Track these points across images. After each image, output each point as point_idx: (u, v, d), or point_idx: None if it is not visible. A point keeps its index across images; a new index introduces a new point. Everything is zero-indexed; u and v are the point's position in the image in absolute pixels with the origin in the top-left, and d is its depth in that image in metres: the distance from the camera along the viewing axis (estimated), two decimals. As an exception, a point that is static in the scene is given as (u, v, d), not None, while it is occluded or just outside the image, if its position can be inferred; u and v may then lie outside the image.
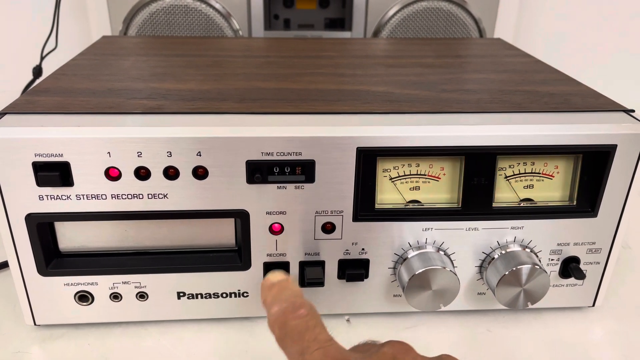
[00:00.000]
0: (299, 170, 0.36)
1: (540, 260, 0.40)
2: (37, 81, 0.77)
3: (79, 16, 0.96)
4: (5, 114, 0.36)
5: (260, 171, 0.35)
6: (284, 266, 0.39)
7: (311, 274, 0.39)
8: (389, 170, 0.38)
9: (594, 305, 0.43)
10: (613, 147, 0.36)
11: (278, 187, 0.36)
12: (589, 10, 0.97)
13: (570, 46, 1.00)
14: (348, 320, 0.42)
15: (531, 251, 0.39)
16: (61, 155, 0.34)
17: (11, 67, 0.93)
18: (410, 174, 0.38)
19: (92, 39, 0.97)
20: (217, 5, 0.75)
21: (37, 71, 0.77)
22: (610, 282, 0.44)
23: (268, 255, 0.39)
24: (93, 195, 0.35)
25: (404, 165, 0.38)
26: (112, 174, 0.35)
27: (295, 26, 0.80)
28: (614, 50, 0.99)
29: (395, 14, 0.76)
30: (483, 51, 0.57)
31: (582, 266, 0.41)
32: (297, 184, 0.36)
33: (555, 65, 0.51)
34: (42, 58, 0.77)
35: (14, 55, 0.94)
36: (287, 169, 0.36)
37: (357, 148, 0.35)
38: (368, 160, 0.36)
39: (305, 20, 0.80)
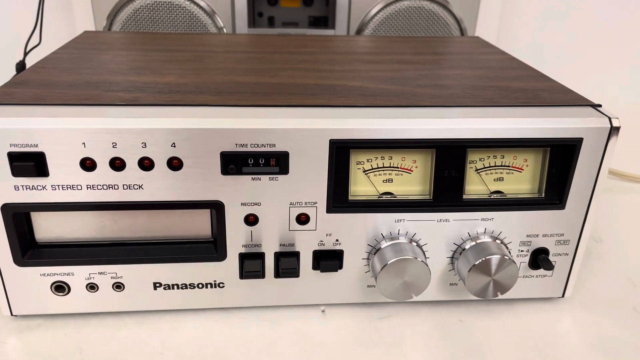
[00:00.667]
0: (273, 162, 0.36)
1: (510, 252, 0.41)
2: (21, 77, 0.77)
3: (64, 12, 0.96)
4: (-18, 105, 0.36)
5: (234, 162, 0.36)
6: (259, 257, 0.39)
7: (286, 264, 0.39)
8: (362, 163, 0.38)
9: (563, 296, 0.44)
10: (579, 141, 0.37)
11: (252, 179, 0.37)
12: (570, 9, 0.99)
13: (551, 45, 1.02)
14: (323, 311, 0.43)
15: (501, 242, 0.40)
16: (36, 146, 0.34)
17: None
18: (383, 167, 0.39)
19: (76, 35, 0.97)
20: (202, 3, 0.75)
21: (21, 67, 0.76)
22: (579, 273, 0.45)
23: (243, 246, 0.39)
24: (68, 186, 0.36)
25: (377, 157, 0.38)
26: (87, 165, 0.35)
27: (279, 24, 0.81)
28: (592, 47, 1.01)
29: (378, 12, 0.77)
30: (460, 49, 0.58)
31: (551, 257, 0.42)
32: (272, 176, 0.37)
33: (535, 63, 0.52)
34: (25, 54, 0.77)
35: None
36: (262, 161, 0.36)
37: (330, 140, 0.36)
38: (341, 152, 0.37)
39: (289, 18, 0.81)
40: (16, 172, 0.35)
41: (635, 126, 0.82)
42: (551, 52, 1.02)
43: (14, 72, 0.77)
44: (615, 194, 0.63)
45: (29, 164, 0.34)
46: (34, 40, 0.78)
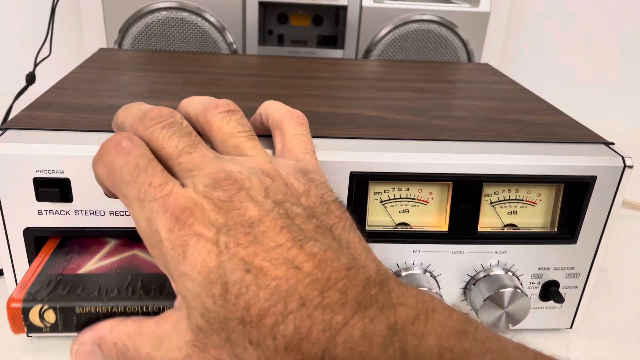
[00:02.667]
0: (294, 192, 0.37)
1: (521, 284, 0.41)
2: (30, 88, 0.77)
3: (74, 24, 0.96)
4: (7, 129, 0.36)
5: (256, 192, 0.36)
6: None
7: (302, 292, 0.40)
8: (379, 194, 0.39)
9: (571, 327, 0.44)
10: (593, 179, 0.38)
11: (273, 208, 0.37)
12: (574, 31, 1.00)
13: (555, 66, 1.03)
14: (336, 337, 0.43)
15: (513, 275, 0.41)
16: (62, 172, 0.35)
17: (4, 73, 0.93)
18: (400, 198, 0.39)
19: (86, 47, 0.97)
20: (212, 19, 0.76)
21: (31, 78, 0.77)
22: (587, 304, 0.46)
23: (260, 272, 0.40)
24: (91, 211, 0.36)
25: (394, 189, 0.39)
26: (112, 191, 0.36)
27: (288, 42, 0.82)
28: (598, 73, 1.02)
29: (386, 34, 0.78)
30: (471, 77, 0.59)
31: (561, 290, 0.42)
32: (292, 205, 0.37)
33: (539, 86, 0.53)
34: (35, 65, 0.77)
35: (7, 61, 0.94)
36: (282, 191, 0.37)
37: (351, 172, 0.37)
38: (360, 184, 0.38)
39: (298, 37, 0.82)
40: (41, 197, 0.35)
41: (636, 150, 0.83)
42: (558, 70, 1.03)
43: (24, 83, 0.78)
44: (619, 222, 0.64)
45: (54, 190, 0.35)
46: (44, 51, 0.78)
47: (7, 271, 0.37)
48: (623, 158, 0.39)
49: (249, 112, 0.43)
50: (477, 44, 0.81)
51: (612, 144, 0.41)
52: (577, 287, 0.42)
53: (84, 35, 0.95)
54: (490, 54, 1.02)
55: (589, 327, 0.46)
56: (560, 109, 0.48)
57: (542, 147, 0.40)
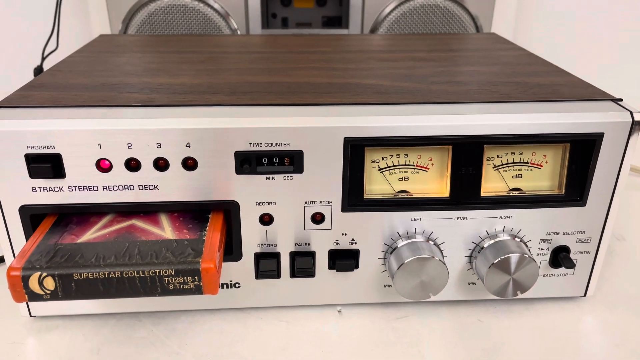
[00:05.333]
0: (288, 161, 0.36)
1: (529, 250, 0.40)
2: (39, 81, 0.78)
3: (80, 17, 0.97)
4: (0, 107, 0.36)
5: (248, 162, 0.36)
6: (275, 257, 0.39)
7: (302, 264, 0.39)
8: (377, 161, 0.38)
9: (585, 295, 0.43)
10: (600, 136, 0.37)
11: (267, 178, 0.37)
12: (586, 4, 0.97)
13: (567, 41, 1.00)
14: (339, 311, 0.42)
15: (520, 240, 0.40)
16: (53, 147, 0.35)
17: (13, 67, 0.94)
18: (398, 165, 0.38)
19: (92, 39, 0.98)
20: (216, 5, 0.76)
21: (39, 71, 0.78)
22: (601, 272, 0.44)
23: (259, 246, 0.39)
24: (85, 187, 0.36)
25: (392, 155, 0.38)
26: (103, 166, 0.35)
27: (293, 24, 0.81)
28: (611, 44, 0.99)
29: (391, 11, 0.77)
30: (476, 45, 0.57)
31: (572, 255, 0.41)
32: (286, 175, 0.37)
33: (552, 59, 0.51)
34: (43, 58, 0.78)
35: (15, 55, 0.95)
36: (276, 160, 0.36)
37: (345, 138, 0.36)
38: (356, 150, 0.37)
39: (302, 19, 0.81)
40: (33, 173, 0.35)
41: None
42: (568, 49, 1.00)
43: (32, 77, 0.78)
44: (635, 191, 0.62)
45: (46, 165, 0.35)
46: (51, 45, 0.79)
47: (6, 249, 0.37)
48: (631, 113, 0.37)
49: (242, 84, 0.42)
50: (486, 18, 0.79)
51: (621, 100, 0.39)
52: (589, 252, 0.41)
53: (90, 28, 0.96)
54: (501, 29, 0.99)
55: (605, 296, 0.44)
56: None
57: (546, 106, 0.38)
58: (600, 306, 0.43)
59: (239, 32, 0.77)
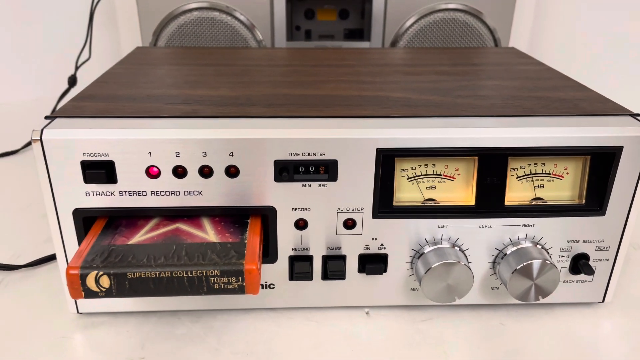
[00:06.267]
0: (323, 170, 0.39)
1: (550, 257, 0.42)
2: (72, 90, 0.81)
3: (111, 29, 1.00)
4: (56, 117, 0.39)
5: (287, 170, 0.38)
6: (308, 259, 0.42)
7: (333, 267, 0.41)
8: (406, 170, 0.40)
9: (603, 301, 0.45)
10: (619, 149, 0.39)
11: (303, 185, 0.39)
12: (602, 18, 0.99)
13: (584, 54, 1.02)
14: (367, 313, 0.44)
15: (542, 248, 0.42)
16: (107, 155, 0.37)
17: (48, 76, 0.98)
18: (426, 174, 0.40)
19: (122, 50, 1.02)
20: (242, 17, 0.79)
21: (72, 80, 0.81)
22: (619, 279, 0.46)
23: (293, 249, 0.41)
24: (135, 192, 0.38)
25: (420, 165, 0.40)
26: (152, 173, 0.38)
27: (316, 37, 0.84)
28: (627, 57, 1.00)
29: (412, 24, 0.79)
30: (497, 60, 0.59)
31: (591, 263, 0.43)
32: (321, 183, 0.39)
33: (569, 72, 0.53)
34: (76, 68, 0.81)
35: (50, 66, 0.99)
36: (312, 168, 0.39)
37: (377, 149, 0.38)
38: (387, 160, 0.39)
39: (325, 31, 0.84)
40: (88, 179, 0.38)
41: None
42: (586, 61, 1.02)
43: (66, 85, 0.82)
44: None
45: (100, 172, 0.37)
46: (84, 55, 0.83)
47: (59, 249, 0.40)
48: (650, 128, 0.39)
49: (278, 97, 0.45)
50: (504, 31, 0.81)
51: (638, 115, 0.41)
52: (607, 259, 0.43)
53: (121, 39, 1.00)
54: (519, 42, 1.01)
55: (622, 302, 0.46)
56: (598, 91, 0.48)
57: (567, 120, 0.40)
58: (618, 312, 0.45)
59: (264, 44, 0.80)
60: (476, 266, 0.42)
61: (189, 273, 0.35)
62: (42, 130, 0.37)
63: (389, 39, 0.81)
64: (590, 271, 0.42)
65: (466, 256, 0.42)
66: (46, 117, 0.39)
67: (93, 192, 0.38)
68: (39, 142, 0.37)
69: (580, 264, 0.42)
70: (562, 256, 0.42)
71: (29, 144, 0.78)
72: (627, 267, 0.51)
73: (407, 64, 0.57)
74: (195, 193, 0.39)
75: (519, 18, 0.98)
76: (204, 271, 0.35)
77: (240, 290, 0.35)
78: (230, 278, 0.35)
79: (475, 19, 0.79)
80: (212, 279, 0.35)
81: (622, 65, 1.01)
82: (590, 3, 0.98)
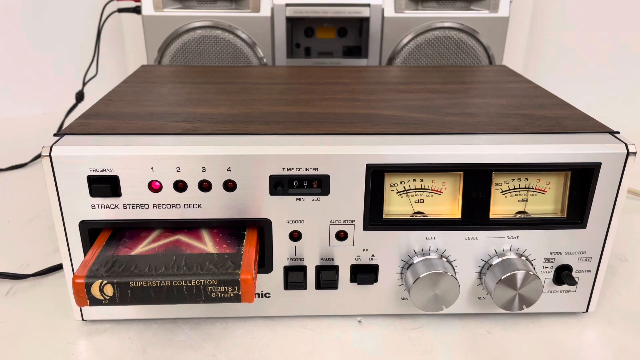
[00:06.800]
0: (316, 184, 0.41)
1: (534, 268, 0.44)
2: (80, 105, 0.84)
3: (117, 46, 1.03)
4: (64, 134, 0.42)
5: (281, 184, 0.40)
6: (302, 270, 0.44)
7: (326, 277, 0.43)
8: (395, 185, 0.42)
9: (587, 310, 0.46)
10: (598, 165, 0.41)
11: (297, 199, 0.41)
12: (594, 34, 1.01)
13: (576, 72, 1.04)
14: (359, 321, 0.46)
15: (526, 259, 0.43)
16: (112, 170, 0.40)
17: (57, 92, 1.01)
18: (415, 188, 0.43)
19: (128, 67, 1.05)
20: (244, 36, 0.81)
21: (80, 96, 0.84)
22: (604, 290, 0.48)
23: (288, 259, 0.43)
24: (137, 205, 0.41)
25: (409, 180, 0.42)
26: (155, 187, 0.40)
27: (315, 54, 0.86)
28: (617, 68, 1.03)
29: (409, 42, 0.82)
30: (487, 78, 0.61)
31: (574, 274, 0.44)
32: (314, 196, 0.41)
33: (562, 86, 0.55)
34: (84, 84, 0.84)
35: (59, 81, 1.02)
36: (305, 183, 0.41)
37: (367, 165, 0.40)
38: (377, 175, 0.41)
39: (324, 49, 0.86)
40: (94, 193, 0.40)
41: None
42: (578, 76, 1.04)
43: (74, 101, 0.85)
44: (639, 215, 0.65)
45: (105, 186, 0.40)
46: (91, 72, 0.85)
47: (65, 259, 0.42)
48: (626, 145, 0.41)
49: (275, 114, 0.47)
50: (498, 48, 0.83)
51: (617, 132, 0.43)
52: (589, 271, 0.44)
53: (127, 56, 1.03)
54: (513, 58, 1.04)
55: (606, 312, 0.47)
56: (584, 109, 0.50)
57: (549, 138, 0.42)
58: (602, 321, 0.46)
59: (265, 61, 0.83)
60: (463, 276, 0.44)
61: (187, 282, 0.37)
62: (51, 147, 0.39)
63: (386, 55, 0.83)
64: (572, 282, 0.43)
65: (453, 267, 0.43)
66: (55, 134, 0.41)
67: (98, 205, 0.41)
68: (48, 157, 0.39)
69: (563, 275, 0.44)
70: (546, 267, 0.44)
71: (37, 157, 0.80)
72: (614, 279, 0.52)
73: (400, 82, 0.59)
74: (195, 206, 0.41)
75: (513, 35, 1.00)
76: (202, 280, 0.37)
77: (237, 298, 0.37)
78: (226, 287, 0.37)
79: (470, 37, 0.82)
80: (209, 288, 0.37)
81: (615, 80, 1.03)
82: (583, 20, 1.00)
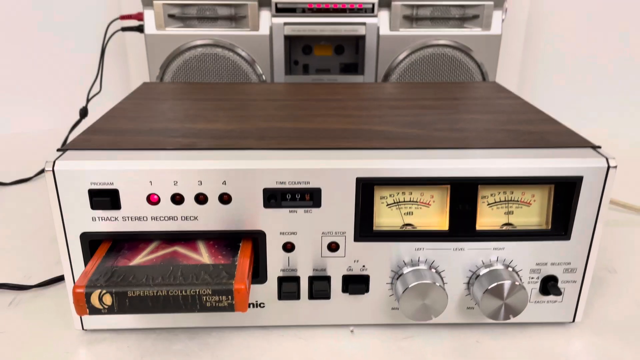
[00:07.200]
0: (308, 197, 0.42)
1: (521, 279, 0.45)
2: (83, 120, 0.86)
3: (120, 63, 1.06)
4: (67, 150, 0.43)
5: (275, 197, 0.42)
6: (295, 280, 0.45)
7: (318, 287, 0.45)
8: (385, 198, 0.44)
9: (574, 320, 0.47)
10: (579, 179, 0.42)
11: (290, 211, 0.43)
12: (587, 46, 1.03)
13: (568, 83, 1.06)
14: (352, 331, 0.47)
15: (513, 270, 0.45)
16: (112, 184, 0.41)
17: (62, 108, 1.03)
18: (404, 201, 0.44)
19: (131, 83, 1.07)
20: (243, 53, 0.84)
21: (83, 112, 0.86)
22: (592, 300, 0.49)
23: (281, 270, 0.45)
24: (136, 217, 0.42)
25: (398, 193, 0.44)
26: (153, 200, 0.42)
27: (313, 71, 0.88)
28: (608, 79, 1.04)
29: (403, 59, 0.84)
30: (477, 94, 0.63)
31: (560, 284, 0.46)
32: (306, 209, 0.43)
33: (556, 99, 0.57)
34: (88, 100, 0.86)
35: (64, 98, 1.04)
36: (298, 196, 0.42)
37: (357, 178, 0.42)
38: (366, 188, 0.43)
39: (322, 66, 0.88)
40: (95, 206, 0.41)
41: (655, 162, 0.85)
42: (571, 91, 1.06)
43: (78, 117, 0.87)
44: (631, 228, 0.66)
45: (106, 199, 0.41)
46: (95, 88, 0.88)
47: (67, 269, 0.44)
48: (607, 159, 0.42)
49: (269, 130, 0.49)
50: (491, 65, 0.85)
51: (599, 147, 0.44)
52: (575, 281, 0.46)
53: (130, 72, 1.05)
54: (509, 73, 1.06)
55: (593, 322, 0.48)
56: (578, 120, 0.52)
57: (533, 152, 0.44)
58: (589, 331, 0.47)
59: (264, 77, 0.85)
60: (452, 287, 0.45)
61: (183, 292, 0.38)
62: (54, 162, 0.41)
63: (382, 72, 0.85)
64: (558, 292, 0.44)
65: (442, 277, 0.45)
66: (58, 150, 0.43)
67: (99, 217, 0.42)
68: (51, 172, 0.41)
69: (548, 286, 0.45)
70: (532, 278, 0.45)
71: (41, 172, 0.82)
72: (602, 290, 0.53)
73: (393, 99, 0.61)
74: (192, 218, 0.42)
75: (508, 51, 1.02)
76: (197, 290, 0.38)
77: (230, 308, 0.39)
78: (221, 296, 0.38)
79: (463, 54, 0.84)
80: (204, 297, 0.38)
81: (608, 94, 1.05)
82: (576, 34, 1.02)
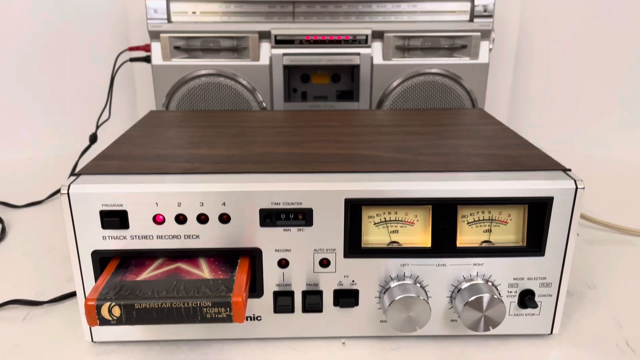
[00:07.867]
0: (301, 217, 0.46)
1: (499, 292, 0.48)
2: (93, 146, 0.91)
3: (129, 92, 1.11)
4: (80, 174, 0.47)
5: (270, 217, 0.46)
6: (290, 294, 0.48)
7: (311, 301, 0.48)
8: (372, 217, 0.47)
9: (551, 332, 0.50)
10: (550, 199, 0.46)
11: (284, 230, 0.46)
12: (580, 71, 1.08)
13: (561, 110, 1.10)
14: (344, 343, 0.51)
15: (492, 284, 0.48)
16: (121, 205, 0.45)
17: (72, 134, 1.08)
18: (390, 220, 0.48)
19: (138, 111, 1.12)
20: (244, 82, 0.89)
21: (93, 138, 0.91)
22: (571, 314, 0.52)
23: (277, 285, 0.48)
24: (143, 236, 0.46)
25: (384, 212, 0.47)
26: (158, 220, 0.46)
27: (311, 98, 0.93)
28: (599, 108, 1.08)
29: (396, 87, 0.88)
30: (463, 120, 0.67)
31: (537, 298, 0.49)
32: (299, 227, 0.46)
33: (541, 126, 0.61)
34: (97, 127, 0.91)
35: (74, 124, 1.09)
36: (292, 215, 0.46)
37: (345, 199, 0.46)
38: (355, 208, 0.46)
39: (319, 93, 0.93)
40: (105, 225, 0.45)
41: (633, 183, 0.89)
42: (560, 114, 1.10)
43: (88, 143, 0.91)
44: (611, 246, 0.70)
45: (115, 219, 0.45)
46: (104, 115, 0.92)
47: (78, 284, 0.47)
48: (575, 181, 0.46)
49: (266, 155, 0.53)
50: (480, 91, 0.90)
51: (569, 170, 0.48)
52: (550, 295, 0.49)
53: (137, 100, 1.10)
54: (497, 101, 1.10)
55: (571, 334, 0.51)
56: (568, 147, 0.56)
57: (508, 175, 0.47)
58: (567, 343, 0.50)
59: (264, 105, 0.89)
60: (436, 300, 0.49)
61: (185, 304, 0.42)
62: (69, 185, 0.45)
63: (376, 98, 0.90)
64: (534, 305, 0.48)
65: (426, 291, 0.48)
66: (72, 174, 0.47)
67: (109, 236, 0.46)
68: (67, 195, 0.45)
69: (526, 299, 0.48)
70: (510, 292, 0.49)
71: (53, 194, 0.86)
72: (582, 304, 0.57)
73: (383, 125, 0.65)
74: (194, 237, 0.46)
75: (498, 78, 1.07)
76: (198, 303, 0.42)
77: (229, 319, 0.42)
78: (220, 309, 0.42)
79: (453, 82, 0.88)
80: (205, 309, 0.42)
81: (594, 116, 1.09)
82: (563, 60, 1.07)
